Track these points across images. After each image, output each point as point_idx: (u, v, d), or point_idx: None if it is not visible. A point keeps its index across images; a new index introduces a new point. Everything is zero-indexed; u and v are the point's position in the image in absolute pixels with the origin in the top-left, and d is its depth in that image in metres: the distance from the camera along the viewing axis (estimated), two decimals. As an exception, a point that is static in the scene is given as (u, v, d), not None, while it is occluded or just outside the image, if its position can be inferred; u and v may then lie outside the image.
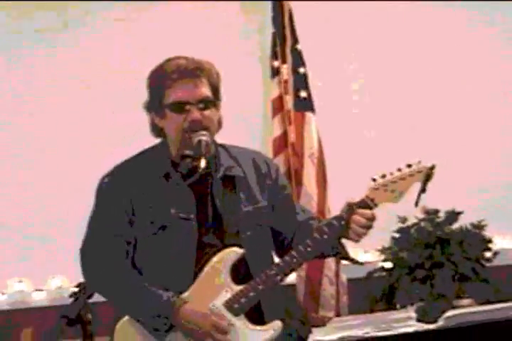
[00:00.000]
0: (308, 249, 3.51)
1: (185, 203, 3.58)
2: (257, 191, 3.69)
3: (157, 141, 3.74)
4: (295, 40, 6.07)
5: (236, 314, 3.54)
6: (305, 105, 6.05)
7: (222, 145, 3.71)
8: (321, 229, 3.52)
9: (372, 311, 5.43)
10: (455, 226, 5.62)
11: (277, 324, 3.59)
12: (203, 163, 3.50)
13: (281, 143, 6.01)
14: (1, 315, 6.11)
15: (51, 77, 6.26)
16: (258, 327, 3.57)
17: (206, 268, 3.56)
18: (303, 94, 6.05)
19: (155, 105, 3.61)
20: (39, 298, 6.19)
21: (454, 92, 6.45)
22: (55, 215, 6.22)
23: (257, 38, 6.31)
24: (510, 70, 6.49)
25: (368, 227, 3.51)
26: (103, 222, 3.68)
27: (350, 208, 3.51)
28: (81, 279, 4.61)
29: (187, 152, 3.52)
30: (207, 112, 3.58)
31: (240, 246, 3.57)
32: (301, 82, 6.06)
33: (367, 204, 3.51)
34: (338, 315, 5.78)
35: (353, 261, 3.83)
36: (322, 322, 4.87)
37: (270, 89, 6.10)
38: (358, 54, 6.38)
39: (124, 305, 3.64)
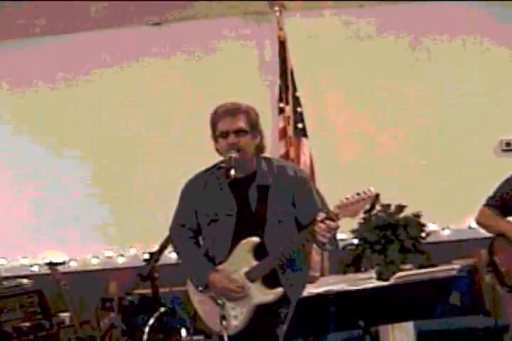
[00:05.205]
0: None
1: (229, 204, 3.62)
2: (283, 194, 3.60)
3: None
4: (294, 89, 6.04)
5: (252, 280, 3.54)
6: (301, 133, 6.03)
7: (266, 159, 3.66)
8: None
9: (345, 273, 5.47)
10: (401, 215, 5.56)
11: (279, 290, 3.53)
12: (232, 172, 3.51)
13: (285, 159, 5.63)
14: (94, 273, 6.16)
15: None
16: (266, 291, 3.53)
17: (236, 248, 3.58)
18: (300, 125, 6.04)
19: (213, 135, 3.66)
20: (121, 262, 6.24)
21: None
22: (138, 202, 6.16)
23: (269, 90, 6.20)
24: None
25: (329, 232, 3.44)
26: (178, 213, 3.77)
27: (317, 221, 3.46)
28: (152, 249, 4.69)
29: (222, 165, 3.56)
30: (242, 139, 3.58)
31: (261, 236, 3.54)
32: (299, 117, 6.05)
33: (331, 218, 3.44)
34: (322, 275, 5.69)
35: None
36: (312, 280, 4.72)
37: (278, 122, 6.04)
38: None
39: (184, 269, 3.74)
